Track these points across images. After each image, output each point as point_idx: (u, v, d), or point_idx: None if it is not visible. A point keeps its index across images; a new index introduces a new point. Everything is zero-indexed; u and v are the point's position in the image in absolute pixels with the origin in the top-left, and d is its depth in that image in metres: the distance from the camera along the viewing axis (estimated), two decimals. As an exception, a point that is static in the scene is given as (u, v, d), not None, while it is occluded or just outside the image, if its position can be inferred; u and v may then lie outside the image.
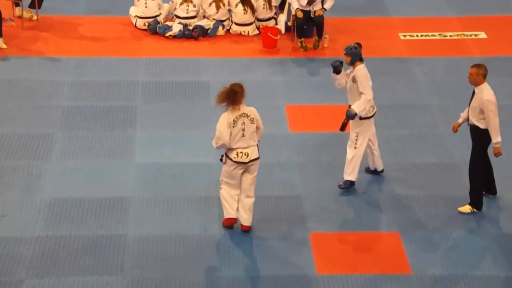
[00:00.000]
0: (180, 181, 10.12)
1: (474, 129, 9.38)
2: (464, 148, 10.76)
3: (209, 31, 13.60)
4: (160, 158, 10.55)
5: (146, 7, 13.63)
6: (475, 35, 13.78)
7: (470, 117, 9.37)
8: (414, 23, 14.12)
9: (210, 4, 13.63)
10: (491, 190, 9.81)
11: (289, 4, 13.46)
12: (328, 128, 11.08)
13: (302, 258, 8.94)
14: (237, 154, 8.94)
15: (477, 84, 9.24)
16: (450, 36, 13.77)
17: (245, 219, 9.22)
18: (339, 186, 9.95)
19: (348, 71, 9.75)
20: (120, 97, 11.90)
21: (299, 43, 13.23)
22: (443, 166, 10.51)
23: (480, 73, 9.18)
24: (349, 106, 9.69)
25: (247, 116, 8.90)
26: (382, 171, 10.21)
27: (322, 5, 13.14)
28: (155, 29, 13.57)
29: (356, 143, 9.77)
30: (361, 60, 9.63)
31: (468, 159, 10.51)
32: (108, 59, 12.88)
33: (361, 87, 9.52)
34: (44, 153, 10.55)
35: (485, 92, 9.18)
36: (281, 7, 13.91)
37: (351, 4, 14.65)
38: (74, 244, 9.05)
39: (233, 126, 8.84)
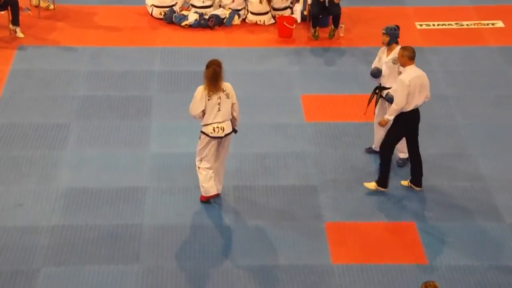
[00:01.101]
0: (195, 171, 10.11)
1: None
2: (480, 139, 10.74)
3: (224, 20, 13.58)
4: (175, 148, 10.57)
5: (162, -4, 13.64)
6: (492, 24, 13.68)
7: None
8: (430, 12, 14.03)
9: (226, -6, 13.62)
10: (417, 182, 9.75)
11: (305, -6, 13.43)
12: (344, 118, 11.06)
13: (317, 248, 8.94)
14: (213, 129, 9.14)
15: (403, 65, 9.41)
16: (467, 25, 13.68)
17: (218, 188, 9.52)
18: (398, 164, 10.11)
19: (382, 55, 9.92)
20: (136, 87, 11.91)
21: (312, 31, 13.20)
22: (458, 156, 10.46)
23: (405, 54, 9.35)
24: (380, 85, 9.94)
25: (223, 91, 9.08)
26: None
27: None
28: (171, 18, 13.57)
29: None
30: (397, 42, 9.88)
31: (484, 149, 10.49)
32: (123, 48, 12.89)
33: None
34: (60, 143, 10.59)
35: (405, 73, 9.33)
36: (297, -4, 13.87)
37: (367, -7, 14.60)
38: (90, 233, 9.09)
39: (208, 100, 9.03)
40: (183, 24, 13.50)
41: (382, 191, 9.69)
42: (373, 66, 10.09)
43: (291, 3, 13.83)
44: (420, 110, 11.42)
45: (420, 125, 11.04)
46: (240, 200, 9.65)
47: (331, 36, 13.25)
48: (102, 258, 8.76)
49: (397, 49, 9.80)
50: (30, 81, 11.96)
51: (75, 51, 12.78)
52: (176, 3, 13.70)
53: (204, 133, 9.24)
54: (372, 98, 10.12)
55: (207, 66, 9.10)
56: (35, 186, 9.79)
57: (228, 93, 9.14)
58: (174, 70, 12.36)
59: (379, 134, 10.19)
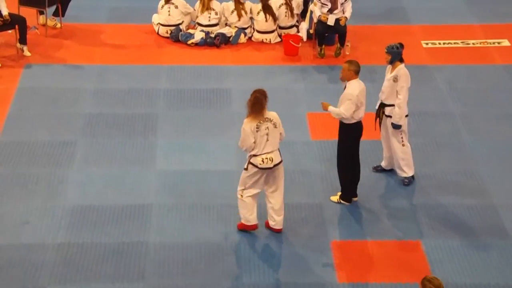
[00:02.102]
0: (201, 189, 10.14)
1: (341, 124, 9.60)
2: (487, 156, 10.73)
3: (231, 38, 13.63)
4: (181, 166, 10.58)
5: (169, 15, 13.69)
6: (498, 43, 13.70)
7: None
8: (436, 30, 14.07)
9: (232, 12, 13.67)
10: (350, 196, 9.87)
11: (311, 12, 13.47)
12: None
13: (323, 266, 8.92)
14: (262, 160, 8.98)
15: (348, 79, 9.51)
16: (473, 43, 13.71)
17: (277, 221, 9.32)
18: (404, 183, 10.13)
19: (387, 73, 9.95)
20: (142, 105, 11.95)
21: (318, 49, 13.24)
22: (465, 174, 10.44)
23: (351, 69, 9.47)
24: (381, 103, 10.00)
25: (270, 120, 8.96)
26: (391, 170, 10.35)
27: (343, 14, 13.13)
28: (177, 36, 13.63)
29: (402, 141, 10.03)
30: (401, 60, 9.88)
31: (490, 166, 10.47)
32: (130, 66, 12.95)
33: (399, 87, 9.80)
34: (66, 160, 10.62)
35: (350, 87, 9.44)
36: (303, 15, 13.92)
37: (372, 11, 14.64)
38: (96, 251, 9.09)
39: (257, 131, 8.88)
40: (189, 42, 13.55)
41: (343, 203, 9.78)
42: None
43: (297, 21, 13.88)
44: (426, 127, 11.46)
45: (426, 142, 11.08)
46: (246, 218, 9.64)
47: (337, 54, 13.28)
48: (107, 276, 8.75)
49: (400, 66, 9.82)
50: (37, 98, 12.01)
51: (81, 69, 12.83)
52: (183, 21, 13.76)
53: (252, 164, 9.02)
54: (378, 115, 10.15)
55: (251, 95, 8.97)
56: (41, 204, 9.81)
57: (275, 123, 8.96)
58: (180, 88, 12.40)
59: (388, 153, 10.20)
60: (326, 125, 11.45)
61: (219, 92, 12.29)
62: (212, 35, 13.57)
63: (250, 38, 13.78)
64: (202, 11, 13.64)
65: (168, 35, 13.72)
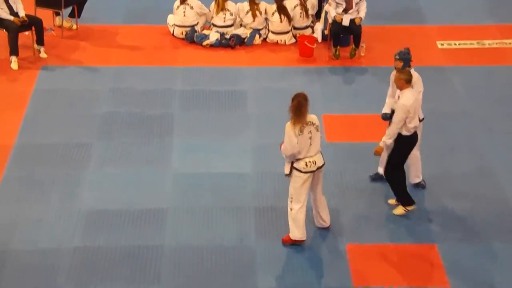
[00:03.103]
0: (217, 191, 10.15)
1: (398, 135, 9.40)
2: (504, 159, 10.67)
3: (246, 39, 13.63)
4: (196, 167, 10.60)
5: (184, 15, 13.71)
6: (515, 43, 13.65)
7: None
8: (452, 31, 14.01)
9: (247, 13, 13.67)
10: (409, 201, 9.70)
11: (326, 13, 13.45)
12: (365, 138, 11.03)
13: (338, 270, 8.92)
14: (306, 164, 8.95)
15: (400, 88, 9.38)
16: (489, 44, 13.64)
17: (325, 220, 9.44)
18: (423, 186, 10.14)
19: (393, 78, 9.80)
20: (158, 106, 11.97)
21: (333, 50, 13.22)
22: (482, 176, 10.40)
23: (401, 77, 9.33)
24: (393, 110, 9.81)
25: (313, 124, 8.94)
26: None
27: (358, 13, 13.10)
28: (193, 38, 13.64)
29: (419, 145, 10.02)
30: (409, 65, 9.85)
31: (509, 169, 10.41)
32: (145, 68, 12.98)
33: (418, 86, 9.68)
34: (82, 162, 10.66)
35: (403, 97, 9.29)
36: (317, 15, 13.89)
37: (387, 12, 14.59)
38: (112, 254, 9.12)
39: (300, 135, 8.87)
40: (204, 43, 13.56)
41: (410, 210, 9.66)
42: (388, 93, 9.92)
43: (312, 22, 13.86)
44: (442, 129, 11.42)
45: (442, 145, 11.04)
46: (261, 221, 9.65)
47: (352, 55, 13.26)
48: (123, 279, 8.78)
49: (411, 71, 9.68)
50: (53, 100, 12.06)
51: (97, 70, 12.87)
52: (198, 23, 13.77)
53: (296, 168, 8.96)
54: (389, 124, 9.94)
55: (292, 100, 8.91)
56: (58, 206, 9.85)
57: (317, 126, 8.95)
58: (196, 89, 12.42)
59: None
60: (341, 127, 11.44)
61: (234, 94, 12.30)
62: (227, 36, 13.57)
63: (265, 39, 13.77)
64: (217, 12, 13.65)
65: (183, 36, 13.74)
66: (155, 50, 13.48)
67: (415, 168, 10.12)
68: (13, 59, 12.76)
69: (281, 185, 10.26)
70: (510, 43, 13.65)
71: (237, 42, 13.53)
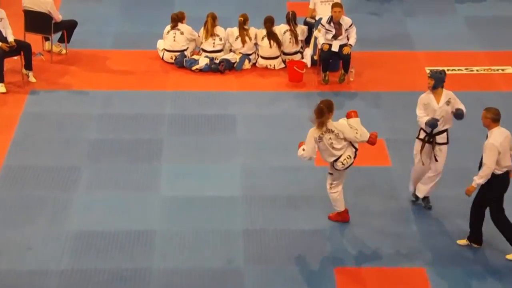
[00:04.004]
0: (205, 214, 10.13)
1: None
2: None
3: (235, 64, 13.67)
4: (185, 191, 10.58)
5: (174, 40, 13.75)
6: (502, 70, 13.72)
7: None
8: (440, 57, 14.09)
9: (237, 38, 13.73)
10: (478, 240, 9.59)
11: (315, 38, 13.52)
12: (354, 162, 11.02)
13: (327, 293, 8.89)
14: (342, 163, 9.53)
15: (488, 127, 9.27)
16: (477, 70, 13.73)
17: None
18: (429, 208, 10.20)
19: (428, 101, 9.81)
20: (147, 130, 11.96)
21: (322, 75, 13.28)
22: (471, 200, 10.39)
23: (487, 116, 9.23)
24: (431, 132, 9.86)
25: (332, 131, 9.37)
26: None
27: (347, 40, 13.18)
28: (182, 62, 13.68)
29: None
30: (442, 86, 9.87)
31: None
32: (135, 92, 12.98)
33: (458, 103, 9.87)
34: (70, 185, 10.62)
35: (492, 136, 9.17)
36: (307, 41, 13.96)
37: (376, 38, 14.68)
38: (100, 277, 9.06)
39: (319, 141, 9.37)
40: (193, 68, 13.60)
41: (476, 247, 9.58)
42: (418, 112, 9.89)
43: (302, 47, 13.93)
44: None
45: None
46: (250, 244, 9.62)
47: (341, 80, 13.31)
48: (111, 302, 8.72)
49: (446, 92, 9.79)
50: (42, 124, 12.04)
51: (87, 95, 12.87)
52: (187, 48, 13.82)
53: (335, 169, 9.60)
54: (423, 147, 9.95)
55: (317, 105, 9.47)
56: (45, 229, 9.80)
57: (337, 133, 9.41)
58: (185, 113, 12.43)
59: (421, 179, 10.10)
60: (330, 151, 11.44)
61: (223, 118, 12.31)
62: (217, 61, 13.61)
63: (254, 64, 13.82)
64: (207, 38, 13.70)
65: (172, 60, 13.77)
66: (145, 74, 13.51)
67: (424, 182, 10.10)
68: (-1, 85, 12.74)
69: (270, 208, 10.26)
70: (498, 70, 13.74)
71: (226, 67, 13.57)
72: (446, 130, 9.95)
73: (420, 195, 10.19)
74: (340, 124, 9.48)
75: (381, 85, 13.15)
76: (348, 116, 9.66)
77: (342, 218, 9.95)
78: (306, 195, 10.51)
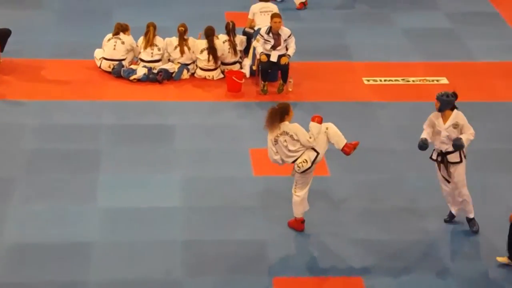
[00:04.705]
0: (144, 226, 10.04)
1: None
2: (429, 193, 10.81)
3: (173, 74, 13.63)
4: (123, 202, 10.48)
5: (114, 49, 13.63)
6: (437, 81, 13.96)
7: None
8: (377, 68, 14.27)
9: (175, 48, 13.68)
10: None
11: (254, 48, 13.56)
12: (291, 172, 11.09)
13: (265, 303, 8.89)
14: (298, 166, 9.66)
15: None
16: (413, 81, 13.93)
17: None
18: (474, 229, 9.92)
19: (436, 120, 9.71)
20: (85, 141, 11.83)
21: (261, 86, 13.32)
22: (408, 211, 10.52)
23: None
24: (442, 151, 9.69)
25: (287, 133, 9.56)
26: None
27: (286, 50, 13.25)
28: (120, 72, 13.57)
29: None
30: (453, 108, 9.66)
31: (433, 204, 10.54)
32: (72, 102, 12.83)
33: (467, 128, 9.64)
34: (6, 197, 10.43)
35: None
36: (246, 51, 13.99)
37: (315, 49, 14.79)
38: (35, 290, 8.92)
39: (275, 144, 9.59)
40: (131, 78, 13.50)
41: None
42: (424, 126, 9.84)
43: (240, 58, 13.95)
44: (369, 164, 11.54)
45: (371, 178, 11.12)
46: (189, 255, 9.57)
47: (280, 90, 13.37)
48: (46, 315, 8.59)
49: (455, 114, 9.62)
50: (-24, 134, 11.82)
51: (23, 105, 12.67)
52: (126, 58, 13.71)
53: (295, 171, 9.71)
54: (439, 166, 9.84)
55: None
56: (-21, 242, 9.60)
57: (292, 135, 9.56)
58: (123, 123, 12.33)
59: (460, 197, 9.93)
60: (268, 161, 11.42)
61: (162, 128, 12.25)
62: (155, 71, 13.54)
63: (193, 74, 13.79)
64: (145, 47, 13.62)
65: (110, 69, 13.65)
66: (83, 84, 13.36)
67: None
68: None
69: (209, 219, 10.23)
70: (433, 80, 13.97)
71: (165, 77, 13.51)
72: (454, 151, 9.69)
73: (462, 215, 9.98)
74: (295, 126, 9.63)
75: (320, 95, 13.24)
76: (312, 119, 9.80)
77: (296, 226, 9.98)
78: (246, 205, 10.51)
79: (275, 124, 9.58)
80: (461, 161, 9.77)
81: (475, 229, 9.96)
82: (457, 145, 9.61)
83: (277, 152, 9.66)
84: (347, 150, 9.69)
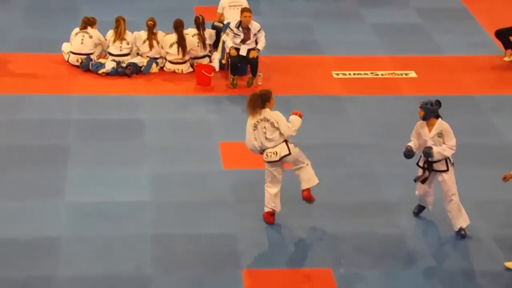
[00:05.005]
0: (112, 220, 9.98)
1: None
2: (397, 187, 10.87)
3: (142, 68, 13.56)
4: (92, 197, 10.41)
5: (82, 43, 13.52)
6: (406, 74, 14.03)
7: None
8: (347, 62, 14.30)
9: (144, 42, 13.60)
10: None
11: (223, 42, 13.53)
12: (262, 166, 11.06)
13: (235, 297, 8.89)
14: (267, 155, 9.71)
15: None
16: (382, 75, 13.99)
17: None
18: (462, 235, 9.83)
19: (421, 130, 9.66)
20: (52, 135, 11.73)
21: (230, 79, 13.30)
22: (376, 204, 10.56)
23: None
24: (428, 160, 9.61)
25: (267, 120, 9.60)
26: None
27: (256, 44, 13.24)
28: (88, 66, 13.47)
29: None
30: (437, 116, 9.62)
31: (402, 198, 10.59)
32: (40, 96, 12.72)
33: (448, 139, 9.54)
34: (-28, 193, 10.32)
35: None
36: (215, 45, 13.96)
37: (285, 43, 14.80)
38: (1, 286, 8.81)
39: (254, 130, 9.62)
40: (100, 72, 13.41)
41: None
42: (411, 137, 9.77)
43: (210, 51, 13.91)
44: (338, 158, 11.57)
45: (338, 173, 11.17)
46: (158, 249, 9.53)
47: (250, 84, 13.36)
48: (14, 311, 8.51)
49: (439, 124, 9.56)
50: None
51: (-12, 99, 12.55)
52: (94, 52, 13.61)
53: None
54: (425, 176, 9.76)
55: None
56: None
57: (273, 122, 9.60)
58: (92, 118, 12.24)
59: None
60: (238, 154, 11.45)
61: (131, 122, 12.18)
62: (124, 65, 13.46)
63: (162, 68, 13.73)
64: (115, 41, 13.53)
65: (78, 63, 13.55)
66: (50, 78, 13.25)
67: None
68: None
69: (178, 213, 10.19)
70: (401, 74, 14.04)
71: (133, 71, 13.43)
72: (444, 158, 9.62)
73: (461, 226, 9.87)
74: (276, 113, 9.67)
75: (289, 89, 13.25)
76: (294, 113, 9.88)
77: (266, 218, 10.02)
78: (215, 199, 10.48)
79: (257, 109, 9.63)
80: (447, 169, 9.70)
81: (462, 234, 9.86)
82: (426, 153, 9.59)
83: (255, 138, 9.69)
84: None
